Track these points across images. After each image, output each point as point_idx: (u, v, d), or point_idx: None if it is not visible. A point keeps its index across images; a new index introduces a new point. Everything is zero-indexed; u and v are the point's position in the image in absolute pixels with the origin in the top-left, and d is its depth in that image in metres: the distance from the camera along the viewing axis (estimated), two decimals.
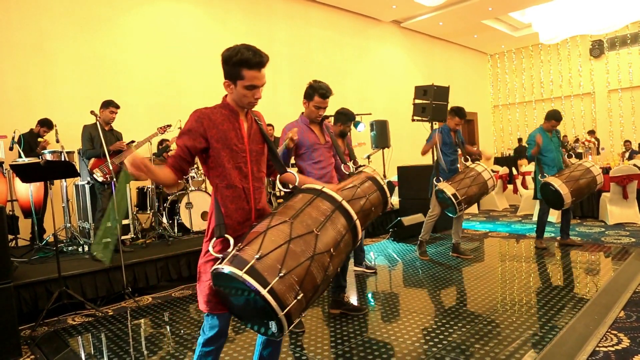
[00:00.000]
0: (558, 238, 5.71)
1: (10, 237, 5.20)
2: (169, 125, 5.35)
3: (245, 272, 1.53)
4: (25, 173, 3.85)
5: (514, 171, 9.96)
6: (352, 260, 4.97)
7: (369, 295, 4.18)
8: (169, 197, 6.14)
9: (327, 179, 3.35)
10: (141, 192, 6.15)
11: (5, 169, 5.09)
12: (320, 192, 1.85)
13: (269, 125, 7.04)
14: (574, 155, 5.69)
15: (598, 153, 11.00)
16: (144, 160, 1.69)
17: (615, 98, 13.56)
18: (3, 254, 3.12)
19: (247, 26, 8.69)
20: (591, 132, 12.89)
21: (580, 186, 4.90)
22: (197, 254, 2.17)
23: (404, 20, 11.81)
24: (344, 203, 1.82)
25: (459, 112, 5.00)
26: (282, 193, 6.62)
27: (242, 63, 1.81)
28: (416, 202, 6.83)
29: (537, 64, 14.96)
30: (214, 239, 1.80)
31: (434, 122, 7.08)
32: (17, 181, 4.93)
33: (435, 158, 5.16)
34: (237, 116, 1.92)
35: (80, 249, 5.06)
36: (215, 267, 1.65)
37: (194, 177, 6.09)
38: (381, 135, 8.02)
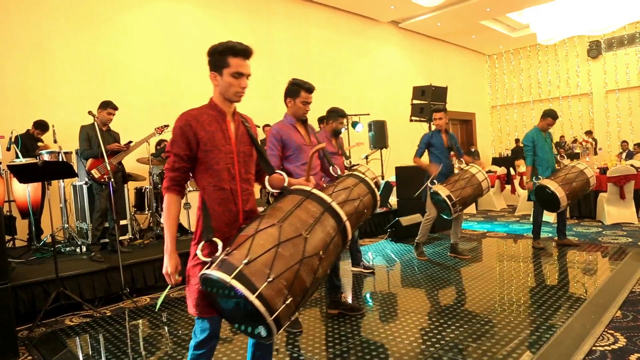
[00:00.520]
0: (555, 238, 5.73)
1: (7, 237, 5.22)
2: (167, 126, 5.33)
3: (234, 278, 1.51)
4: (23, 174, 3.84)
5: (512, 171, 9.96)
6: (349, 261, 4.98)
7: (367, 296, 4.18)
8: None
9: (316, 181, 3.34)
10: (139, 193, 6.15)
11: (3, 170, 5.08)
12: (310, 194, 1.83)
13: (258, 126, 7.04)
14: (565, 157, 5.70)
15: (595, 153, 11.03)
16: (175, 269, 1.81)
17: (612, 98, 13.60)
18: (0, 255, 3.11)
19: (247, 26, 8.70)
20: (588, 133, 12.93)
21: (574, 189, 4.92)
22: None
23: (402, 20, 11.83)
24: (334, 204, 1.80)
25: (436, 108, 5.15)
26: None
27: (228, 50, 1.84)
28: (414, 203, 6.81)
29: (535, 64, 15.00)
30: (202, 242, 1.77)
31: (432, 123, 7.09)
32: (15, 182, 4.91)
33: (429, 161, 5.23)
34: (224, 117, 1.91)
35: (78, 250, 5.05)
36: (203, 271, 1.62)
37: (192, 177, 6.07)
38: (379, 135, 8.03)
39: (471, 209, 8.96)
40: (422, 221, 5.30)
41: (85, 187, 5.34)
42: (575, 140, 12.64)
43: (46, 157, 5.00)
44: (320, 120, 5.66)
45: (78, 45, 6.60)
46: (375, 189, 2.94)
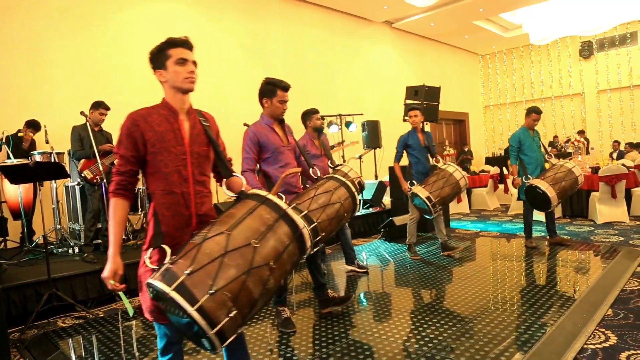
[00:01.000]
0: (547, 237, 5.77)
1: None
2: None
3: (174, 289, 1.45)
4: (14, 174, 3.81)
5: (505, 171, 10.02)
6: (343, 260, 4.99)
7: (361, 295, 4.19)
8: None
9: (294, 183, 3.32)
10: None
11: None
12: (265, 199, 1.74)
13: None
14: (553, 156, 5.74)
15: (587, 153, 11.12)
16: (113, 274, 1.76)
17: (604, 98, 13.71)
18: None
19: (242, 26, 8.67)
20: (581, 132, 13.02)
21: (564, 188, 4.96)
22: None
23: (395, 20, 11.85)
24: (289, 211, 1.72)
25: (412, 106, 5.34)
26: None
27: (166, 45, 1.80)
28: (408, 202, 6.84)
29: (528, 64, 15.09)
30: (151, 249, 1.70)
31: (424, 123, 7.11)
32: (6, 183, 4.88)
33: (409, 162, 5.33)
34: (176, 116, 1.82)
35: (70, 251, 5.02)
36: (148, 280, 1.55)
37: None
38: (373, 135, 8.05)
39: (464, 208, 9.01)
40: (407, 222, 5.40)
41: (77, 188, 5.31)
42: (568, 140, 12.73)
43: (38, 158, 4.96)
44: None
45: (72, 45, 6.54)
46: (356, 193, 2.93)
